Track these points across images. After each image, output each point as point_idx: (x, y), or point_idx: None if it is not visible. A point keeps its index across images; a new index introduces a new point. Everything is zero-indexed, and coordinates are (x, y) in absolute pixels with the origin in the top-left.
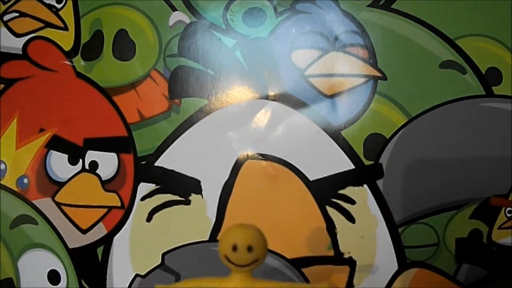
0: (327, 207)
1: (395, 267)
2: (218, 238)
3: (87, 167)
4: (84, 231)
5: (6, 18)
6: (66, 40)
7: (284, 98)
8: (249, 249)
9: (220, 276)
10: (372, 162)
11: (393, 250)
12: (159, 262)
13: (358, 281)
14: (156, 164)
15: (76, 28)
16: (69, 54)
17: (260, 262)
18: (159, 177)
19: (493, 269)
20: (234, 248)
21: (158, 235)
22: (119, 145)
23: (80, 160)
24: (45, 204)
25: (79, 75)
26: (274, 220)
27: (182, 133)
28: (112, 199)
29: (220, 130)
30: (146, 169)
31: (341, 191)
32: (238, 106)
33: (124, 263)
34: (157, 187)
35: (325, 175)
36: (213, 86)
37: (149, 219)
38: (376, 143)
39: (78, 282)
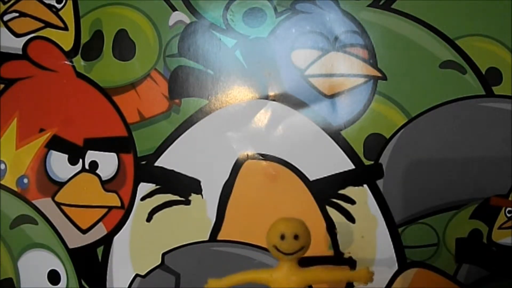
0: (327, 207)
1: (395, 267)
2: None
3: (87, 167)
4: (84, 231)
5: (6, 18)
6: (66, 40)
7: (284, 98)
8: (296, 237)
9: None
10: (372, 162)
11: (393, 250)
12: (159, 262)
13: None
14: (156, 164)
15: (76, 28)
16: (69, 54)
17: (305, 250)
18: (159, 177)
19: (493, 269)
20: (282, 237)
21: (158, 235)
22: (119, 145)
23: (80, 160)
24: (45, 204)
25: (79, 75)
26: (274, 220)
27: (182, 133)
28: (112, 199)
29: (220, 130)
30: (146, 169)
31: (341, 191)
32: (238, 106)
33: (124, 263)
34: (157, 187)
35: (325, 175)
36: (213, 86)
37: (149, 219)
38: (376, 143)
39: (78, 282)
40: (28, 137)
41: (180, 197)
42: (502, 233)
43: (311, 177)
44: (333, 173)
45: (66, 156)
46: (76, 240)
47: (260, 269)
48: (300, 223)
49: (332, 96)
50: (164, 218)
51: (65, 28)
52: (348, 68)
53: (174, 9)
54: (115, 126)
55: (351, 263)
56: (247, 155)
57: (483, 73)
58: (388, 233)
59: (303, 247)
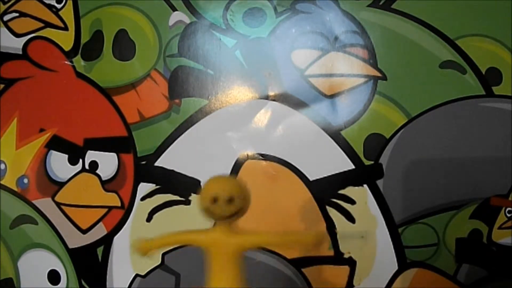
0: (327, 207)
1: (395, 267)
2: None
3: (87, 167)
4: (84, 231)
5: (6, 18)
6: (66, 40)
7: (284, 98)
8: (230, 200)
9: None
10: (372, 162)
11: (393, 250)
12: (159, 262)
13: (358, 281)
14: (156, 164)
15: (76, 28)
16: (69, 54)
17: (242, 214)
18: (159, 177)
19: (493, 269)
20: (215, 200)
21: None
22: (119, 145)
23: (80, 160)
24: (45, 204)
25: (79, 75)
26: (274, 220)
27: (182, 133)
28: (112, 199)
29: (220, 130)
30: (146, 169)
31: (341, 191)
32: (238, 106)
33: (124, 263)
34: (157, 187)
35: (325, 175)
36: (213, 86)
37: (149, 219)
38: (376, 143)
39: (78, 282)
40: (28, 137)
41: (180, 197)
42: (502, 233)
43: (311, 177)
44: (333, 173)
45: (66, 156)
46: (76, 240)
47: (193, 230)
48: (235, 184)
49: (332, 96)
50: (164, 218)
51: (65, 28)
52: (348, 68)
53: (174, 9)
54: (115, 126)
55: (351, 263)
56: (247, 155)
57: (483, 73)
58: (388, 233)
59: (239, 210)
